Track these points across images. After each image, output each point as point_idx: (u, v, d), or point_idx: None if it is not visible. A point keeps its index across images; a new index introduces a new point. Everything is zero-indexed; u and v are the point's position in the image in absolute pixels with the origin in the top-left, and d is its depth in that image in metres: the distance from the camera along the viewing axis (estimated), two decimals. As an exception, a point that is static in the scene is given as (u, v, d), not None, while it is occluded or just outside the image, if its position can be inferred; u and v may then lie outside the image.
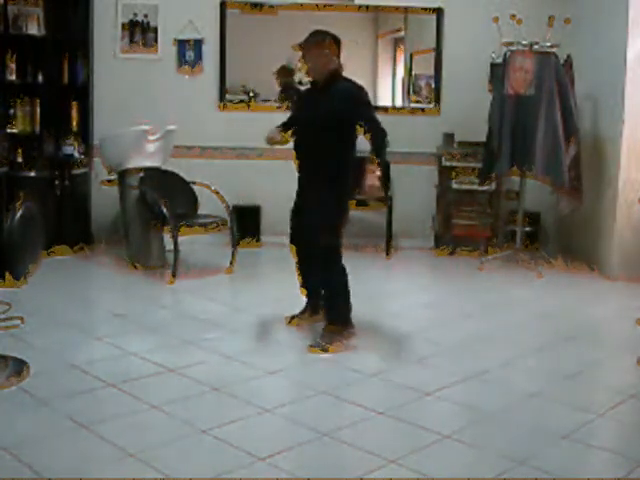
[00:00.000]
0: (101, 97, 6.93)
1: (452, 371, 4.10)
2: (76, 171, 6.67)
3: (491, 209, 7.04)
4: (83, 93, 6.80)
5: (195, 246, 6.62)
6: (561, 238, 7.19)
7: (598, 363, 4.40)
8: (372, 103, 4.67)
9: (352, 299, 4.56)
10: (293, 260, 4.77)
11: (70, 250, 6.53)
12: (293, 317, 4.85)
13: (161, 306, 5.36)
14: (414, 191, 7.16)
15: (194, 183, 6.31)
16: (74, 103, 6.74)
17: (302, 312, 4.86)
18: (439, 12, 7.15)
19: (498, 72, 6.49)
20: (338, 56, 4.45)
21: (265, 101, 7.28)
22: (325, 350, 4.31)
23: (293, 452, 3.12)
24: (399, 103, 7.59)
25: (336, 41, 4.45)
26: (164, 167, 6.33)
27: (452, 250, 7.01)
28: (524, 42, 6.30)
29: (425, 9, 7.17)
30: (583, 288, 6.04)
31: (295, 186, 4.66)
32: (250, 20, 7.19)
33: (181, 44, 7.10)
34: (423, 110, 7.31)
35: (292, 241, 4.77)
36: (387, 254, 6.90)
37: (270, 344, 4.56)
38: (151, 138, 6.25)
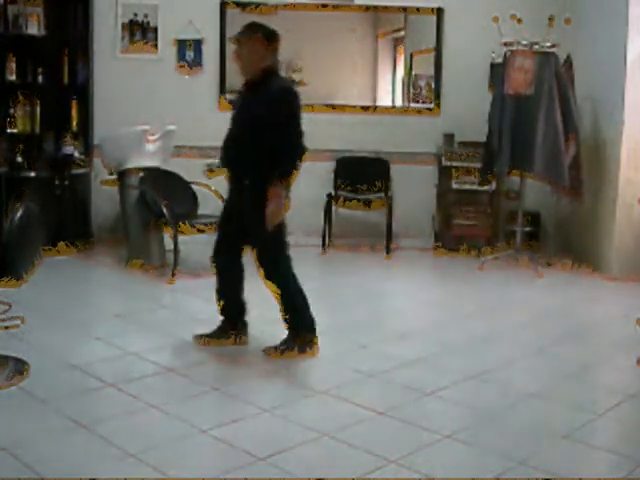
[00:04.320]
0: (101, 97, 6.93)
1: (452, 371, 4.10)
2: (76, 171, 6.66)
3: (491, 209, 7.04)
4: (83, 93, 6.80)
5: (195, 246, 6.60)
6: (561, 238, 7.19)
7: (598, 363, 4.40)
8: (298, 112, 4.10)
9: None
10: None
11: (70, 250, 6.52)
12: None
13: (161, 306, 5.35)
14: (414, 191, 7.16)
15: (194, 183, 6.31)
16: (74, 103, 6.74)
17: None
18: (439, 12, 7.16)
19: (498, 72, 6.49)
20: (273, 53, 4.16)
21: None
22: (268, 354, 4.21)
23: (293, 452, 3.11)
24: (399, 103, 7.57)
25: (269, 36, 4.16)
26: (164, 167, 6.33)
27: (452, 250, 7.01)
28: (524, 42, 6.30)
29: (425, 9, 7.17)
30: (583, 288, 6.04)
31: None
32: (250, 20, 7.15)
33: (181, 44, 7.10)
34: (423, 110, 7.31)
35: None
36: (387, 254, 6.89)
37: (269, 344, 4.55)
38: (151, 138, 6.25)
